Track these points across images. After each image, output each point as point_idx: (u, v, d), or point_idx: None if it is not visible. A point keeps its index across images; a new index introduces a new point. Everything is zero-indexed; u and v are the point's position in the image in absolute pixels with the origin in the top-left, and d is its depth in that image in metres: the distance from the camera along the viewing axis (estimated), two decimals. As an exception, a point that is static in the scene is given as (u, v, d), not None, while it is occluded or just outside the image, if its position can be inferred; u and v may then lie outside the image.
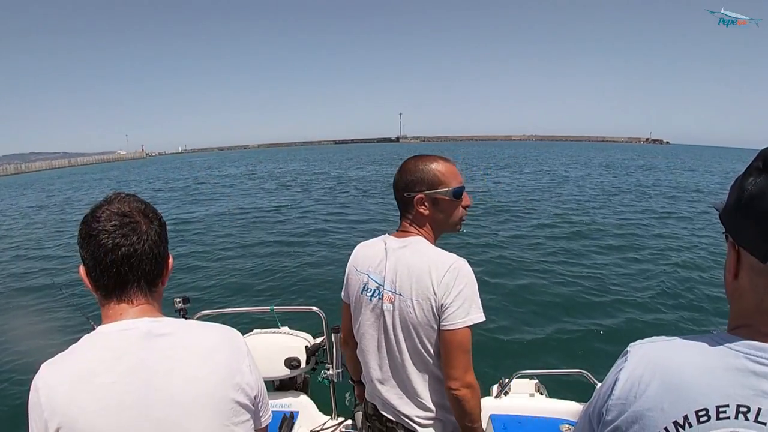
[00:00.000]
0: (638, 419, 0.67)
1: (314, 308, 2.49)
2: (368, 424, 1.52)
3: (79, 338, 0.87)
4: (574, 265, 7.78)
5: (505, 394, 2.29)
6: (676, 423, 0.64)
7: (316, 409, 2.47)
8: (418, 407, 1.36)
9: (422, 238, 1.36)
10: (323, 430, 2.34)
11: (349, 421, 1.81)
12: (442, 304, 1.24)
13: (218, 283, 7.40)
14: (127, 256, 0.85)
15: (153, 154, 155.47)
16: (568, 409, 2.19)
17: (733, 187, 0.69)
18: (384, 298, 1.34)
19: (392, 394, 1.39)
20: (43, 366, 0.82)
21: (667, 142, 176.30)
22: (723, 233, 0.71)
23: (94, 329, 0.88)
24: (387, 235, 1.45)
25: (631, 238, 9.93)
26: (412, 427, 1.37)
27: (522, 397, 2.29)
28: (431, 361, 1.31)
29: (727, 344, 0.65)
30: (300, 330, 2.55)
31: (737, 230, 0.68)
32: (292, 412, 2.33)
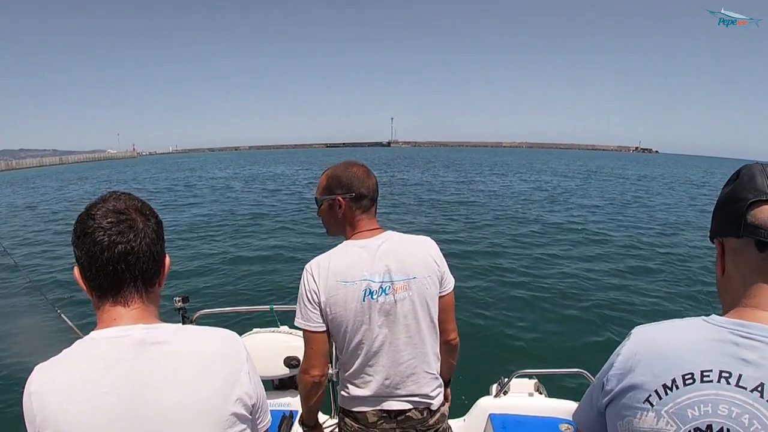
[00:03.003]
0: (633, 385, 0.76)
1: None
2: (375, 431, 1.44)
3: (72, 341, 0.84)
4: (574, 267, 7.87)
5: (505, 393, 2.31)
6: (664, 386, 0.72)
7: None
8: (432, 381, 1.49)
9: (390, 231, 1.49)
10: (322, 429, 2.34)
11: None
12: (443, 273, 1.47)
13: (217, 283, 7.35)
14: (124, 253, 0.82)
15: (144, 153, 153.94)
16: (567, 408, 2.18)
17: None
18: (396, 289, 1.39)
19: (410, 381, 1.44)
20: (36, 369, 0.80)
21: (656, 152, 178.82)
22: (712, 241, 0.83)
23: (86, 335, 0.85)
24: (347, 241, 1.46)
25: (633, 241, 10.11)
26: (427, 403, 1.47)
27: (521, 396, 2.31)
28: (437, 329, 1.49)
29: (714, 322, 0.75)
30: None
31: (719, 226, 0.80)
32: (291, 412, 2.34)
